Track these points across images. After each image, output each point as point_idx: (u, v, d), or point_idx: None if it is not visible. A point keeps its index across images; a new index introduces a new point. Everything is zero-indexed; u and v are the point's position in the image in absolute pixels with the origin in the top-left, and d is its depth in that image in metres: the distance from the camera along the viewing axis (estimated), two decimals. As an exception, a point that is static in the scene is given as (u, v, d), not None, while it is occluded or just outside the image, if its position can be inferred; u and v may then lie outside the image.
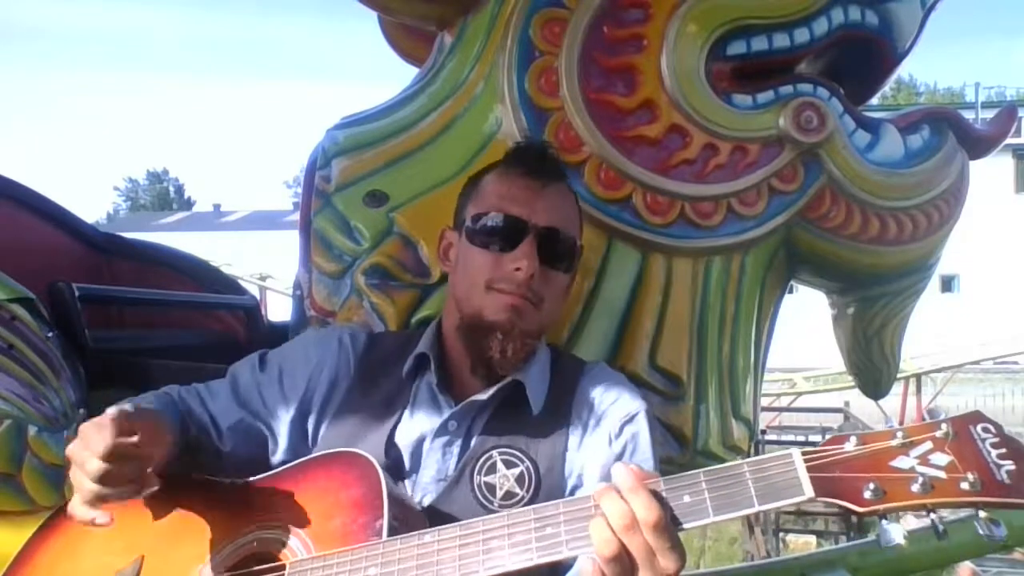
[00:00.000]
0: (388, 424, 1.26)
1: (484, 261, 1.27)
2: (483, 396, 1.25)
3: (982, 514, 0.88)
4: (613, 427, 1.25)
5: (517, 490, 1.20)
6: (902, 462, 0.92)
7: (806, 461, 0.93)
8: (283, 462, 1.30)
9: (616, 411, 1.27)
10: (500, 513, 1.03)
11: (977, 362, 12.11)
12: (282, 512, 1.16)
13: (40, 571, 1.23)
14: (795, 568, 2.24)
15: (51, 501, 1.49)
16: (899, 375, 3.14)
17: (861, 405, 7.02)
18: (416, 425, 1.27)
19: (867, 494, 0.90)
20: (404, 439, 1.26)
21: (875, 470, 0.92)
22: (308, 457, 1.23)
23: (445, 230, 1.39)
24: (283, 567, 1.10)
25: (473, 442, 1.25)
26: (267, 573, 1.11)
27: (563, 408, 1.28)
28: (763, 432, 6.58)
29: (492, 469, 1.22)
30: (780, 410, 9.73)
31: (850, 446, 0.94)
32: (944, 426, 0.93)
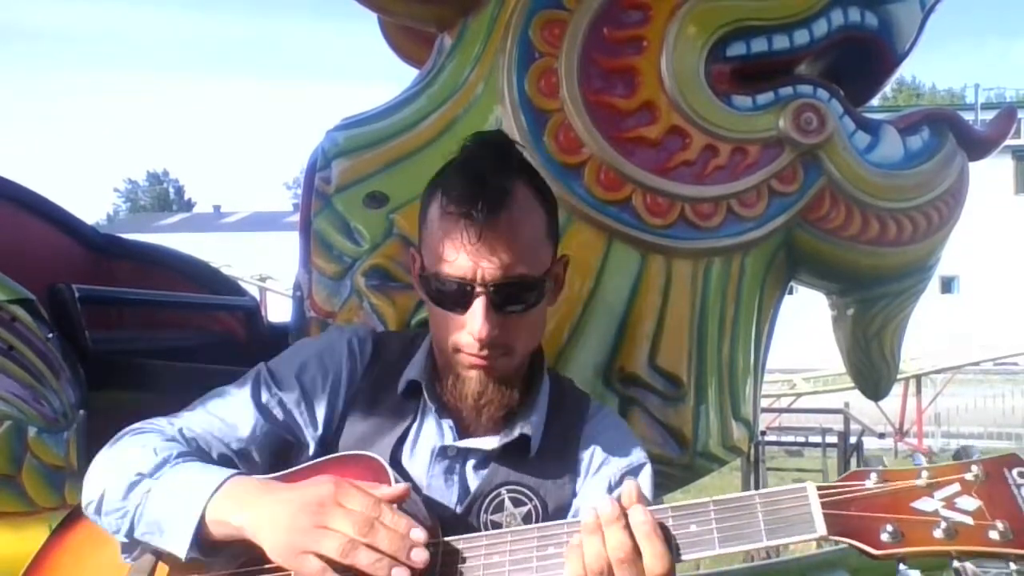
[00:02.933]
0: (391, 440, 1.25)
1: (443, 320, 1.19)
2: (486, 446, 1.23)
3: (1013, 566, 0.86)
4: (614, 475, 1.24)
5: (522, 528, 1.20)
6: (925, 504, 0.87)
7: (821, 496, 0.90)
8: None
9: (619, 460, 1.25)
10: (504, 529, 1.04)
11: (977, 363, 12.08)
12: None
13: (63, 569, 1.23)
14: (795, 570, 2.24)
15: (51, 502, 1.50)
16: (899, 376, 3.14)
17: (861, 406, 7.01)
18: (420, 447, 1.25)
19: (884, 536, 0.85)
20: (408, 458, 1.24)
21: (895, 511, 0.87)
22: (322, 458, 1.21)
23: (414, 254, 1.26)
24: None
25: (475, 474, 1.23)
26: (273, 572, 1.11)
27: (570, 449, 1.26)
28: (763, 433, 6.57)
29: (500, 507, 1.20)
30: (780, 411, 9.71)
31: (870, 483, 0.89)
32: (975, 468, 0.87)
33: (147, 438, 1.17)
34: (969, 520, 0.84)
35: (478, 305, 1.14)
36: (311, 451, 1.26)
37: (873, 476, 0.90)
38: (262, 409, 1.25)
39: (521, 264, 1.15)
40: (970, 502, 0.86)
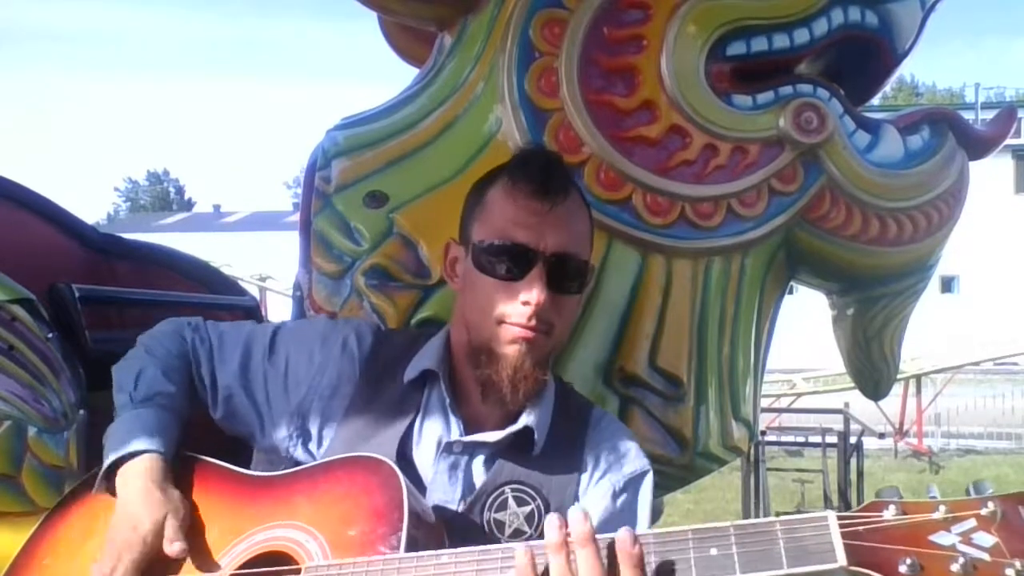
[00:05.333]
0: (396, 433, 1.25)
1: (492, 290, 1.21)
2: (492, 438, 1.24)
3: None
4: (618, 482, 1.26)
5: (525, 528, 1.20)
6: (942, 538, 0.87)
7: (841, 526, 0.89)
8: (271, 448, 1.31)
9: (624, 467, 1.28)
10: (521, 542, 1.03)
11: (977, 363, 12.08)
12: (301, 512, 1.15)
13: (57, 558, 1.23)
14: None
15: (51, 502, 1.49)
16: (899, 376, 3.14)
17: (861, 406, 7.00)
18: (425, 441, 1.26)
19: (903, 568, 0.86)
20: (414, 452, 1.24)
21: (913, 544, 0.87)
22: (330, 458, 1.22)
23: (451, 243, 1.32)
24: (298, 570, 1.09)
25: (480, 471, 1.24)
26: (276, 573, 1.11)
27: (574, 452, 1.27)
28: (763, 433, 6.57)
29: (503, 506, 1.21)
30: (780, 411, 9.71)
31: (889, 514, 0.90)
32: (991, 504, 0.88)
33: (157, 350, 1.36)
34: (986, 556, 0.85)
35: (536, 272, 1.19)
36: (275, 431, 1.31)
37: (892, 508, 0.90)
38: (244, 369, 1.33)
39: (578, 246, 1.25)
40: (987, 538, 0.86)
